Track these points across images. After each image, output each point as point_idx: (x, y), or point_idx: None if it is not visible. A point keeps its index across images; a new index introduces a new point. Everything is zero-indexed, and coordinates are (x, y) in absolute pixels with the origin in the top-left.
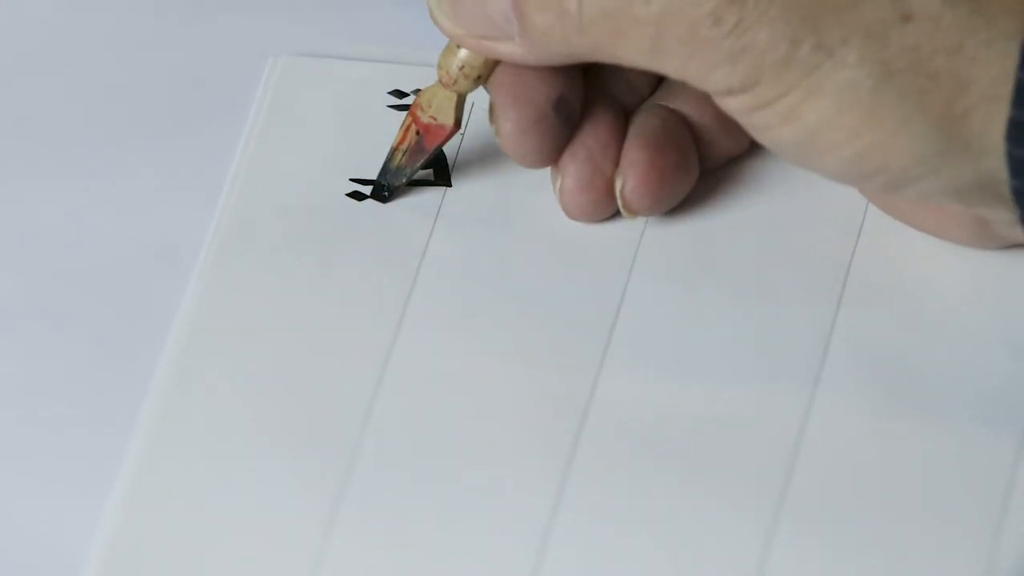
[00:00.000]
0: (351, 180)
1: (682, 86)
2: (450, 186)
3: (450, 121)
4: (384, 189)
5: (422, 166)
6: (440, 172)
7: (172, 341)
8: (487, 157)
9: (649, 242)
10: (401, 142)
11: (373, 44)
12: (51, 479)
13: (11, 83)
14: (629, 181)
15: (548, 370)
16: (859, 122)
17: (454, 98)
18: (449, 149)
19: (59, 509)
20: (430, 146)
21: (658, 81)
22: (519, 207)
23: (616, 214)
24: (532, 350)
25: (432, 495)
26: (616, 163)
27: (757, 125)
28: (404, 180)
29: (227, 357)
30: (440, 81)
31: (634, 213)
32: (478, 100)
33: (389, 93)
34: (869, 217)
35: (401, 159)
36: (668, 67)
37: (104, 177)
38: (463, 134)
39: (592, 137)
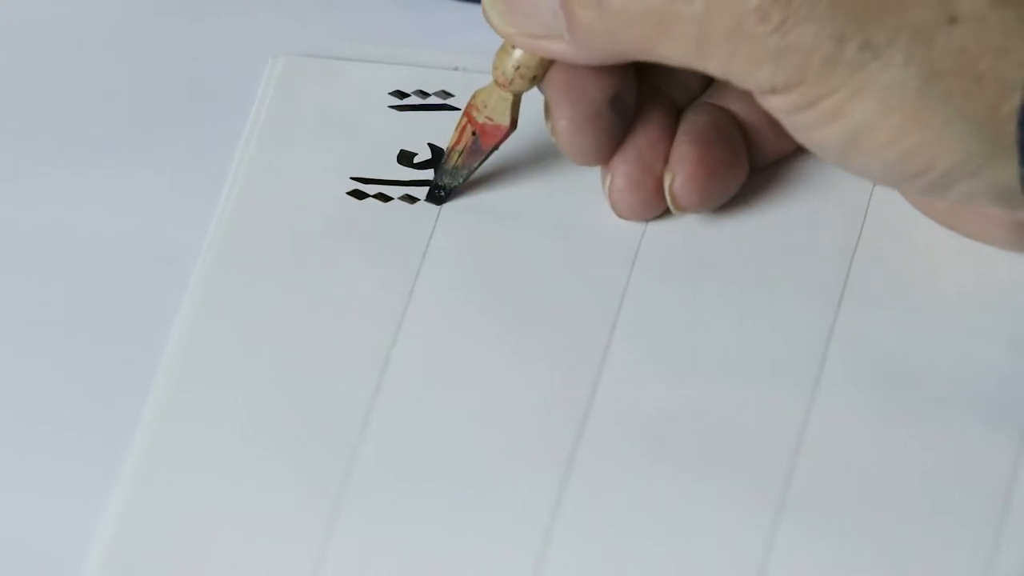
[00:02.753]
0: (352, 179)
1: (732, 85)
2: None
3: (506, 122)
4: (441, 191)
5: (478, 166)
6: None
7: (172, 341)
8: (488, 157)
9: (650, 242)
10: (457, 143)
11: (373, 44)
12: (51, 479)
13: (12, 83)
14: (678, 177)
15: (549, 370)
16: (904, 122)
17: (510, 99)
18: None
19: (59, 509)
20: (487, 146)
21: (710, 79)
22: (520, 207)
23: (665, 212)
24: (533, 350)
25: (433, 495)
26: (666, 161)
27: (800, 125)
28: (461, 181)
29: (227, 357)
30: (496, 82)
31: (683, 209)
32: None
33: (390, 94)
34: (870, 217)
35: (457, 159)
36: (712, 65)
37: (104, 177)
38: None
39: (643, 137)
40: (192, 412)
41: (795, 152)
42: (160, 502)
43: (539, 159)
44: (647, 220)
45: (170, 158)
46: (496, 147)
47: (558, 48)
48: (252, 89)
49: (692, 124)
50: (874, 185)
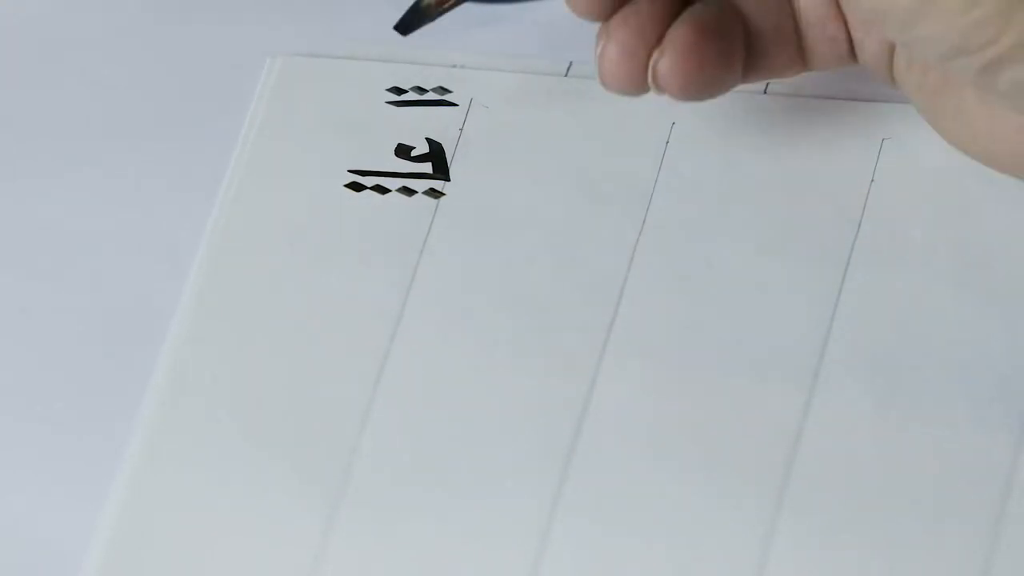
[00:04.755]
0: (349, 171)
1: None
2: (448, 180)
3: None
4: (409, 25)
5: (449, 7)
6: (439, 166)
7: (170, 341)
8: (486, 151)
9: (648, 237)
10: None
11: (370, 44)
12: (51, 479)
13: (11, 83)
14: (666, 58)
15: (546, 369)
16: None
17: None
18: (448, 143)
19: (59, 509)
20: None
21: None
22: (518, 202)
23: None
24: (530, 348)
25: (431, 494)
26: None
27: None
28: (432, 19)
29: (225, 357)
30: None
31: (661, 90)
32: (477, 92)
33: (387, 90)
34: (869, 211)
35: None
36: None
37: (103, 177)
38: (461, 130)
39: (647, 9)
40: (191, 411)
41: (787, 114)
42: (160, 502)
43: (538, 152)
44: (630, 95)
45: (169, 157)
46: None
47: None
48: (250, 89)
49: (699, 10)
50: (874, 174)
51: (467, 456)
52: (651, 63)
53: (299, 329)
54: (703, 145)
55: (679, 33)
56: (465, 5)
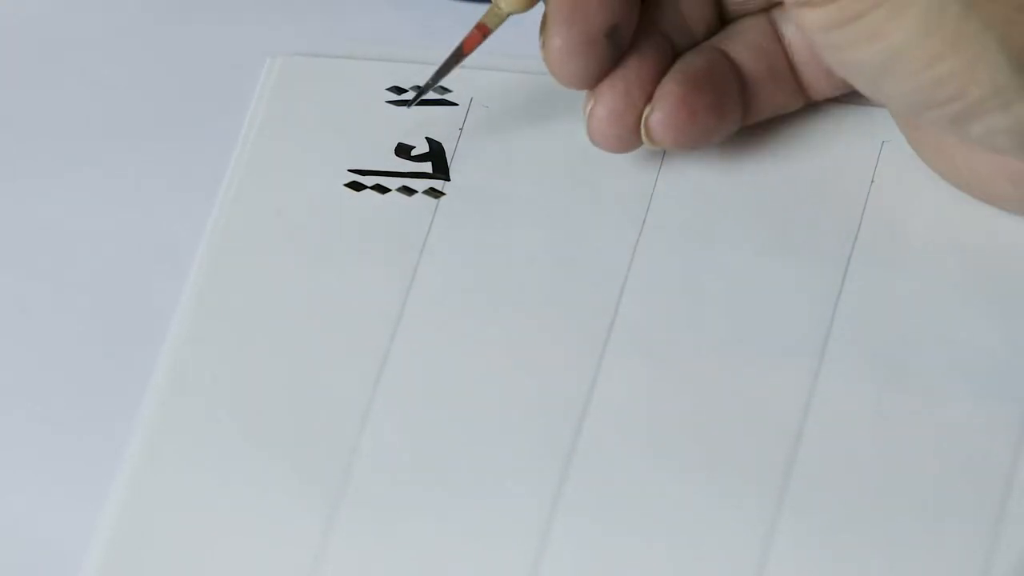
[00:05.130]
0: (349, 170)
1: (741, 32)
2: (448, 180)
3: (484, 23)
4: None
5: (446, 66)
6: (438, 166)
7: (170, 341)
8: (486, 151)
9: (648, 237)
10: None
11: (370, 44)
12: (51, 479)
13: (11, 83)
14: (656, 112)
15: (547, 367)
16: (942, 47)
17: (500, 12)
18: (448, 143)
19: (59, 509)
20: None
21: (713, 27)
22: (517, 201)
23: (643, 148)
24: (531, 347)
25: (430, 495)
26: (650, 100)
27: (835, 43)
28: (432, 82)
29: (225, 357)
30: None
31: (655, 144)
32: (477, 92)
33: (387, 89)
34: (869, 211)
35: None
36: None
37: (103, 177)
38: (461, 129)
39: (634, 71)
40: (191, 411)
41: (788, 116)
42: (160, 502)
43: (538, 152)
44: (620, 153)
45: (169, 157)
46: (462, 51)
47: None
48: (250, 89)
49: (685, 64)
50: (874, 175)
51: (467, 456)
52: (643, 118)
53: (299, 329)
54: None
55: (668, 88)
56: (465, 5)
